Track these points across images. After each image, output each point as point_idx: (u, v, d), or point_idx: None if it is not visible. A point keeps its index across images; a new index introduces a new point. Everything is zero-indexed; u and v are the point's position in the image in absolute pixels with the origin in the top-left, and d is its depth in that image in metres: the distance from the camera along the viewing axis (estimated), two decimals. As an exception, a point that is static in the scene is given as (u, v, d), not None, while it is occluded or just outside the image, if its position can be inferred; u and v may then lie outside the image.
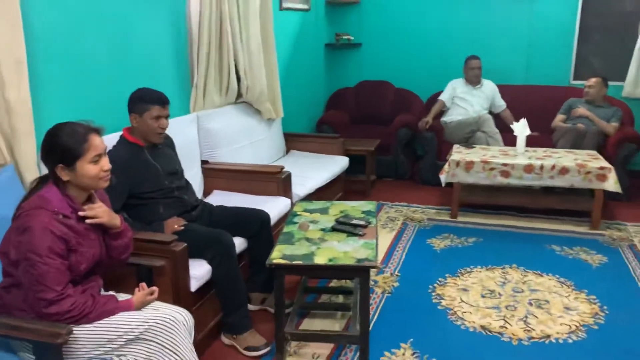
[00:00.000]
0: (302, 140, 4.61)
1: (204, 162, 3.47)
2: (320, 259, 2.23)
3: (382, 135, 5.10)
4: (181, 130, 3.12)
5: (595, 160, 3.96)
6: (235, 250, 2.50)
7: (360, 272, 2.23)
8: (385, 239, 3.72)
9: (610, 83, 4.83)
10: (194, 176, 3.23)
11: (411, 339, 2.53)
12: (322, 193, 3.85)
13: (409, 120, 5.12)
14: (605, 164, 3.87)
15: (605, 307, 2.82)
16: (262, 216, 2.78)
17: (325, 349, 2.46)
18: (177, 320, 1.80)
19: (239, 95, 3.90)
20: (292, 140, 4.57)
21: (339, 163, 4.31)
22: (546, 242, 3.70)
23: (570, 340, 2.52)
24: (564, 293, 2.98)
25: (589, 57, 5.36)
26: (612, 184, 3.78)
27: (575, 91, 5.06)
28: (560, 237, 3.79)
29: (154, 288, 1.89)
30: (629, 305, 2.85)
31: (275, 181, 3.31)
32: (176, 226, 2.46)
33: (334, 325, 2.68)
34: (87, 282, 1.80)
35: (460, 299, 2.93)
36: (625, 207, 4.34)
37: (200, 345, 2.29)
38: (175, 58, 3.35)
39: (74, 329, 1.64)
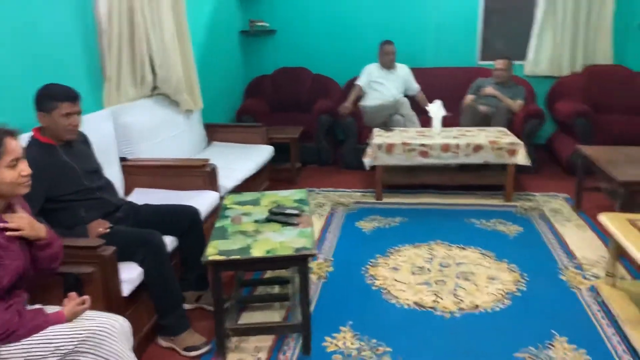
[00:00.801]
0: (224, 131, 4.52)
1: (122, 160, 3.30)
2: (257, 252, 2.20)
3: (303, 122, 5.11)
4: (96, 127, 2.93)
5: (505, 137, 4.20)
6: (166, 249, 2.41)
7: (299, 261, 2.23)
8: (315, 225, 3.73)
9: (513, 62, 5.13)
10: (113, 175, 3.05)
11: (350, 322, 2.58)
12: (249, 184, 3.80)
13: (328, 106, 5.17)
14: (515, 139, 4.12)
15: (525, 275, 3.01)
16: (192, 212, 2.70)
17: (266, 341, 2.44)
18: (114, 328, 1.72)
19: (155, 87, 3.74)
20: (213, 132, 4.46)
21: (264, 152, 4.27)
22: (466, 216, 3.89)
23: (497, 309, 2.68)
24: (486, 264, 3.15)
25: (492, 38, 5.67)
26: (522, 158, 4.04)
27: (482, 71, 5.33)
28: (478, 210, 4.01)
29: (85, 297, 1.78)
30: (545, 270, 3.07)
31: (201, 175, 3.22)
32: (101, 229, 2.33)
33: (273, 316, 2.66)
34: (10, 298, 1.65)
35: (393, 277, 3.01)
36: (533, 179, 4.66)
37: (136, 350, 2.19)
38: (85, 51, 3.14)
39: (2, 349, 1.51)
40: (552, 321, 2.55)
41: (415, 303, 2.74)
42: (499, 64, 4.99)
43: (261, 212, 2.61)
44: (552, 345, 2.36)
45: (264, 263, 2.30)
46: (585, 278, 2.96)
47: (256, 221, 2.51)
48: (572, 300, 2.75)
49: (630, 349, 2.31)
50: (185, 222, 2.64)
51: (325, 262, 3.22)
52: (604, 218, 2.67)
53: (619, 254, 2.65)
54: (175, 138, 3.82)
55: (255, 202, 2.77)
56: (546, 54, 5.39)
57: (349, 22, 5.70)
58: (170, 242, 2.54)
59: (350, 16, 5.69)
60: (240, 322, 2.60)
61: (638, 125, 4.70)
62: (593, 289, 2.83)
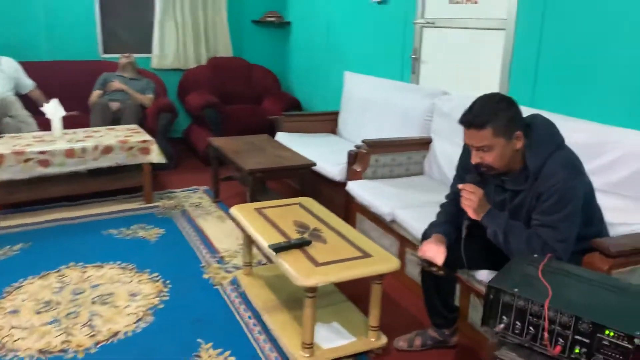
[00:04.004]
0: None
1: None
2: None
3: None
4: None
5: (136, 135, 3.93)
6: None
7: None
8: None
9: (140, 55, 4.89)
10: None
11: (-57, 406, 1.92)
12: None
13: None
14: (146, 136, 3.89)
15: (168, 282, 2.82)
16: None
17: None
18: None
19: None
20: None
21: None
22: (103, 227, 3.48)
23: (138, 330, 2.40)
24: (127, 279, 2.84)
25: (116, 30, 5.29)
26: (155, 155, 3.83)
27: (107, 65, 4.93)
28: (117, 219, 3.64)
29: None
30: (188, 272, 2.94)
31: None
32: None
33: None
34: None
35: (10, 325, 2.41)
36: (173, 175, 4.55)
37: None
38: None
39: None
40: (198, 328, 2.43)
41: (40, 351, 2.23)
42: (124, 56, 4.71)
43: None
44: (199, 356, 2.23)
45: None
46: (227, 272, 2.96)
47: None
48: (216, 298, 2.69)
49: (271, 336, 2.36)
50: None
51: None
52: (234, 210, 2.68)
53: (252, 242, 2.70)
54: None
55: None
56: (171, 47, 5.33)
57: None
58: None
59: None
60: None
61: (258, 114, 5.06)
62: (235, 281, 2.84)
